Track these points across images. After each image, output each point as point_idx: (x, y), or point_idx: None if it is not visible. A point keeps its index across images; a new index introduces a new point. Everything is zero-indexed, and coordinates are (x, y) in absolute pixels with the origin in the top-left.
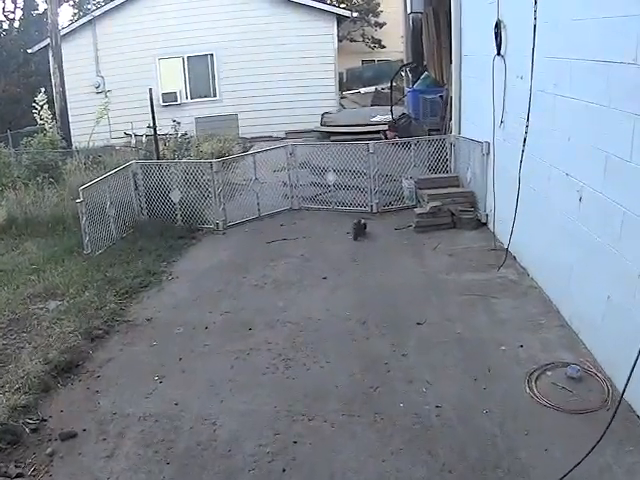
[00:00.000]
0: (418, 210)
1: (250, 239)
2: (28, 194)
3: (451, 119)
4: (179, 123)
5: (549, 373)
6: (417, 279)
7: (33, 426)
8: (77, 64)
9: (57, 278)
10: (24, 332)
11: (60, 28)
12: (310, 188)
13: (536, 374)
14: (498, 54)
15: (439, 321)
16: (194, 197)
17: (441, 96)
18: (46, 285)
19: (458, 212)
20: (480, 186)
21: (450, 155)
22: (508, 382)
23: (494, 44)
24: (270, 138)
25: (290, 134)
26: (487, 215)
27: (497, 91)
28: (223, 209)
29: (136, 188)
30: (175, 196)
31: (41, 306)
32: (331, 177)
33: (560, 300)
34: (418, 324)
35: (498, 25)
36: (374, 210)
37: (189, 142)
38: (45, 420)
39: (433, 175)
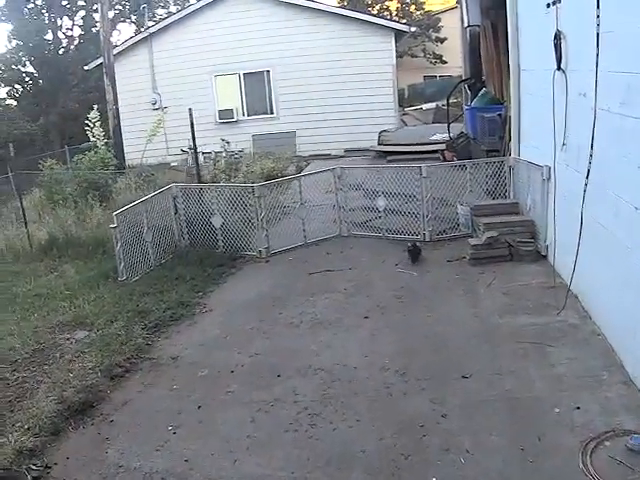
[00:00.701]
0: (473, 241)
1: (293, 269)
2: (70, 214)
3: (510, 140)
4: (228, 142)
5: (607, 444)
6: (467, 322)
7: (36, 473)
8: (133, 80)
9: (88, 306)
10: (46, 364)
11: (116, 45)
12: (360, 213)
13: (592, 445)
14: (558, 68)
15: (488, 374)
16: (236, 223)
17: (500, 114)
18: (76, 313)
19: (516, 243)
20: (540, 215)
21: (509, 179)
22: (560, 455)
23: (554, 57)
24: (328, 156)
25: (348, 152)
26: (547, 247)
27: (558, 109)
28: (266, 236)
29: (176, 212)
30: (216, 221)
31: (68, 336)
32: (382, 202)
33: (625, 352)
34: (464, 377)
35: (557, 36)
36: (427, 239)
37: (239, 162)
38: (49, 467)
39: (490, 201)
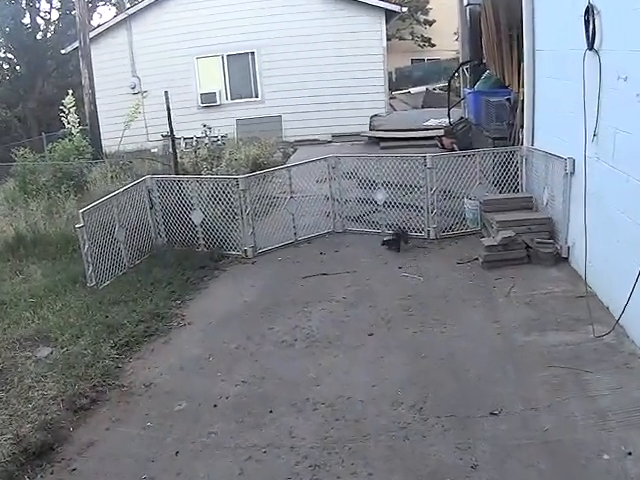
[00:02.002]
0: (486, 241)
1: (283, 272)
2: (42, 206)
3: (522, 127)
4: (210, 128)
5: None
6: (488, 341)
7: None
8: (112, 64)
9: (53, 317)
10: (2, 390)
11: (94, 27)
12: (356, 205)
13: None
14: (590, 48)
15: (520, 409)
16: (219, 219)
17: (509, 99)
18: (39, 326)
19: (535, 244)
20: (560, 212)
21: (521, 170)
22: None
23: (583, 36)
24: (316, 142)
25: (336, 137)
26: (569, 248)
27: (588, 95)
28: (252, 233)
29: (152, 207)
30: (196, 217)
31: (29, 354)
32: (380, 195)
33: None
34: (492, 414)
35: (589, 11)
36: (432, 236)
37: (222, 149)
38: None
39: (501, 195)
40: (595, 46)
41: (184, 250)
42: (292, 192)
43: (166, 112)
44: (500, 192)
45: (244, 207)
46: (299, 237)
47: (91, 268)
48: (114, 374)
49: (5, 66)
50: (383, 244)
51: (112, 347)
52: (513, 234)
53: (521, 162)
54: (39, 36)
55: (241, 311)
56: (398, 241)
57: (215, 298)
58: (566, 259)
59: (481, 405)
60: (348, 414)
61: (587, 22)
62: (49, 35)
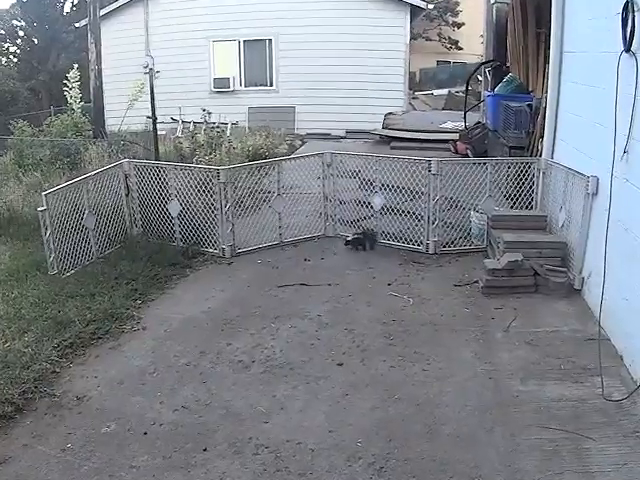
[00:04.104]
0: (489, 263)
1: (259, 277)
2: (32, 182)
3: (542, 137)
4: (210, 113)
5: None
6: (477, 387)
7: None
8: (125, 41)
9: (5, 306)
10: None
11: (111, 1)
12: (352, 208)
13: None
14: (627, 50)
15: None
16: (198, 212)
17: (530, 105)
18: None
19: (544, 272)
20: (577, 237)
21: (537, 185)
22: None
23: (619, 36)
24: (328, 137)
25: (350, 134)
26: (583, 280)
27: (621, 105)
28: (232, 231)
29: (127, 194)
30: (174, 208)
31: None
32: (378, 200)
33: None
34: None
35: (628, 7)
36: (430, 250)
37: (220, 136)
38: None
39: (513, 211)
40: (633, 48)
41: (158, 243)
42: (279, 189)
43: (179, 94)
44: (512, 207)
45: (224, 202)
46: (285, 239)
47: (53, 255)
48: (49, 380)
49: (20, 33)
50: (346, 244)
51: (55, 347)
52: (520, 258)
53: (538, 176)
54: (57, 8)
55: (202, 320)
56: (364, 240)
57: (178, 301)
58: (579, 292)
59: (454, 473)
60: (293, 465)
61: (625, 20)
62: (69, 8)
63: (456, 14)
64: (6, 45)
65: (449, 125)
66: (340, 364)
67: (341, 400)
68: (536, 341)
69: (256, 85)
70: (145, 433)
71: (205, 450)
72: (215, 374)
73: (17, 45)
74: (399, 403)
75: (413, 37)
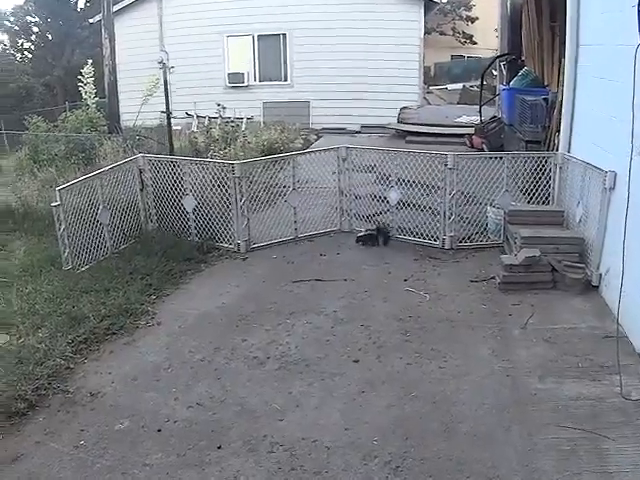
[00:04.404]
0: (506, 259)
1: (274, 272)
2: (47, 177)
3: (558, 131)
4: (224, 108)
5: None
6: (494, 384)
7: None
8: (139, 37)
9: (19, 301)
10: None
11: None
12: (368, 202)
13: None
14: None
15: None
16: (213, 206)
17: (546, 99)
18: (2, 310)
19: (562, 268)
20: (594, 232)
21: (553, 180)
22: None
23: (636, 28)
24: (343, 131)
25: (365, 128)
26: (601, 276)
27: (638, 99)
28: (247, 226)
29: (142, 189)
30: (188, 203)
31: None
32: (394, 195)
33: None
34: None
35: None
36: (446, 245)
37: (236, 131)
38: None
39: (529, 206)
40: None
41: (173, 238)
42: (295, 184)
43: (193, 89)
44: (528, 202)
45: (239, 196)
46: (300, 234)
47: (67, 251)
48: (62, 376)
49: (35, 29)
50: (357, 241)
51: (69, 343)
52: (538, 254)
53: (554, 170)
54: (71, 5)
55: (217, 315)
56: (377, 236)
57: (193, 296)
58: (596, 288)
59: (471, 472)
60: (308, 463)
61: None
62: (83, 4)
63: (469, 8)
64: (20, 41)
65: (464, 119)
66: (356, 361)
67: (357, 397)
68: (554, 338)
69: (270, 80)
70: (159, 430)
71: (219, 448)
72: (230, 370)
73: (31, 41)
74: (416, 401)
75: (427, 31)
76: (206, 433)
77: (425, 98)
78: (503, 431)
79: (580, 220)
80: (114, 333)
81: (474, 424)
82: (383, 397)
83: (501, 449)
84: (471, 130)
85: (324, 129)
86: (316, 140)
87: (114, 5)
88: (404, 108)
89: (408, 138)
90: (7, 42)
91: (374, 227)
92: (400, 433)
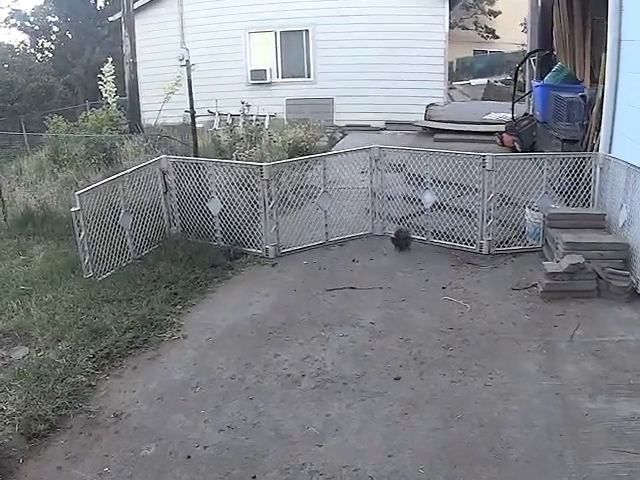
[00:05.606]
0: (549, 266)
1: (305, 280)
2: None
3: (598, 130)
4: (248, 105)
5: None
6: (544, 404)
7: None
8: (160, 34)
9: (38, 311)
10: None
11: None
12: (400, 204)
13: None
14: None
15: None
16: (239, 210)
17: (583, 96)
18: (22, 321)
19: (606, 275)
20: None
21: (594, 182)
22: None
23: None
24: (367, 128)
25: (390, 125)
26: None
27: None
28: (276, 230)
29: (166, 192)
30: (214, 207)
31: (4, 353)
32: (429, 197)
33: None
34: None
35: None
36: (484, 250)
37: (260, 130)
38: None
39: (571, 209)
40: None
41: (198, 243)
42: (326, 186)
43: (215, 87)
44: (567, 204)
45: (267, 199)
46: (331, 238)
47: (88, 257)
48: (84, 394)
49: (55, 29)
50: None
51: (90, 358)
52: (582, 261)
53: (594, 171)
54: (90, 3)
55: (247, 328)
56: (396, 242)
57: (221, 307)
58: None
59: None
60: None
61: None
62: (102, 3)
63: (492, 2)
64: (41, 41)
65: (493, 116)
66: (397, 378)
67: (400, 420)
68: (602, 352)
69: (293, 77)
70: (188, 457)
71: (254, 478)
72: (262, 389)
73: (51, 40)
74: (462, 423)
75: (450, 26)
76: (239, 460)
77: (448, 94)
78: (556, 457)
79: (624, 224)
80: (138, 347)
81: (525, 449)
82: (427, 419)
83: (555, 477)
84: (501, 128)
85: (348, 126)
86: (342, 138)
87: (134, 2)
88: (431, 105)
89: (436, 136)
90: (28, 42)
91: (394, 232)
92: (447, 460)
